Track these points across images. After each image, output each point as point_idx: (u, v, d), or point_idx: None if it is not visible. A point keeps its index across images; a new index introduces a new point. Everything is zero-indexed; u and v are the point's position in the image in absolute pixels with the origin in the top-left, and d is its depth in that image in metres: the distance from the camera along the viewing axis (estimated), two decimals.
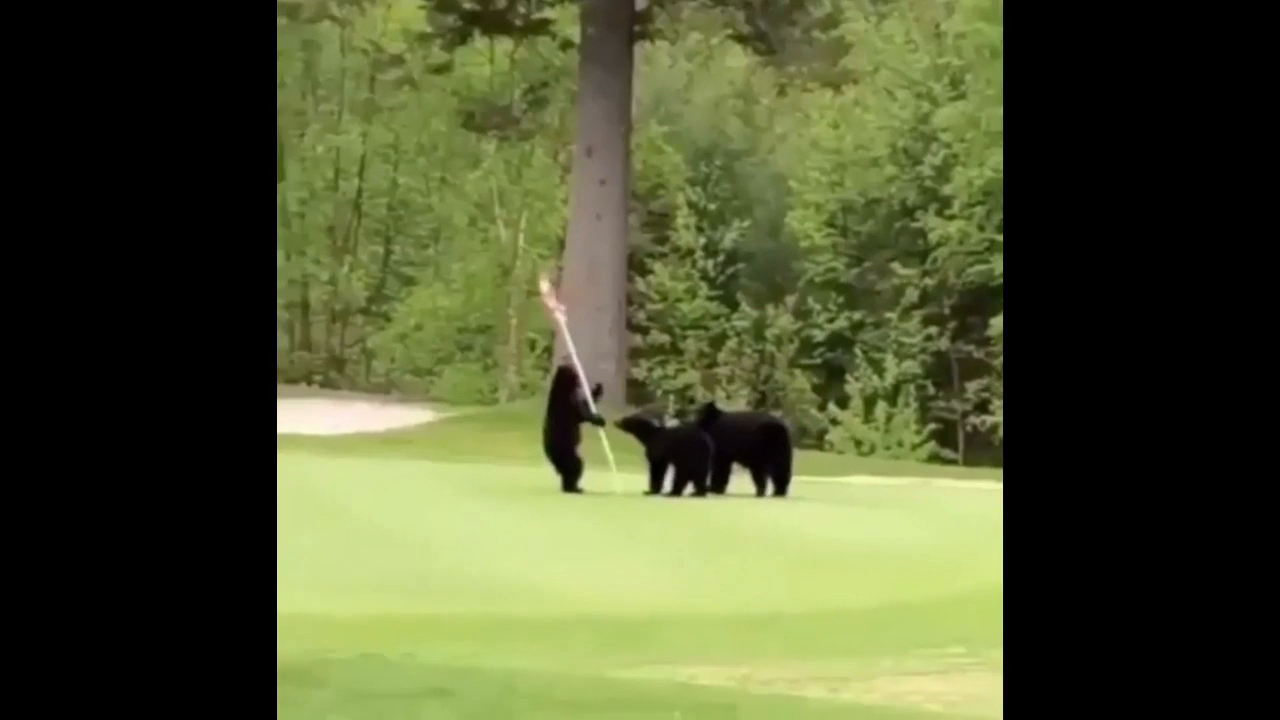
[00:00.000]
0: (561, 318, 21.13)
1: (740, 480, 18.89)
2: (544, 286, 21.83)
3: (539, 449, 18.93)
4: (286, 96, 49.29)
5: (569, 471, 18.22)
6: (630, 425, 18.81)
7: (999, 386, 43.63)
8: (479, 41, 40.97)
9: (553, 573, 12.35)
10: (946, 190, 45.05)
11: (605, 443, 18.84)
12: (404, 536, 14.11)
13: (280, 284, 48.97)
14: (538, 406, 20.96)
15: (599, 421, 18.88)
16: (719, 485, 18.53)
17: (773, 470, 18.87)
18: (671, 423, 20.97)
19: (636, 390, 40.46)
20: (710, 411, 19.90)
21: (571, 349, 19.89)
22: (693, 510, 16.98)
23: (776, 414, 43.74)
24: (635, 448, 18.70)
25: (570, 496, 17.89)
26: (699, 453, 18.25)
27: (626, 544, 14.25)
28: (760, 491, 18.74)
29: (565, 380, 19.27)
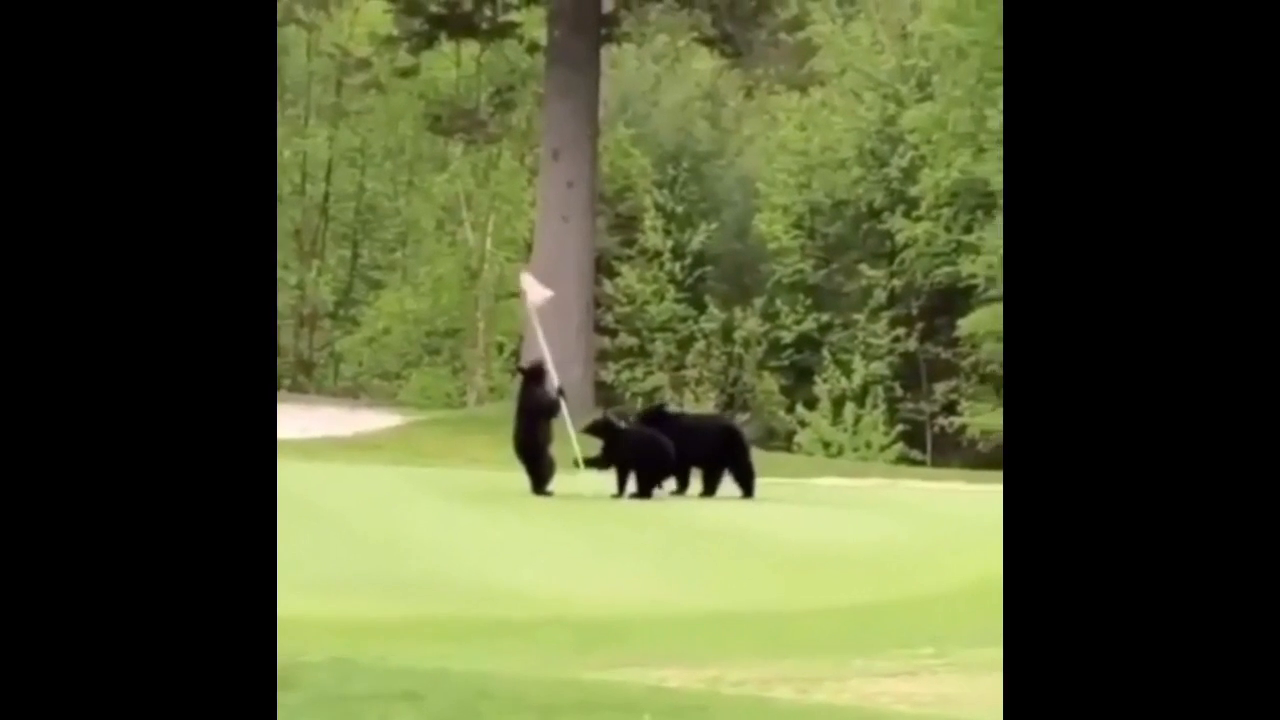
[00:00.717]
0: (534, 313, 20.89)
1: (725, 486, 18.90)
2: (527, 279, 21.69)
3: (509, 452, 18.90)
4: None
5: (540, 473, 18.13)
6: (596, 429, 18.79)
7: (967, 388, 43.76)
8: (445, 45, 40.95)
9: (524, 575, 12.36)
10: (913, 192, 45.16)
11: (575, 444, 18.85)
12: (374, 540, 14.11)
13: None
14: (506, 410, 20.93)
15: (555, 405, 18.68)
16: (681, 488, 18.55)
17: (736, 473, 18.84)
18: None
19: (604, 393, 40.46)
20: (658, 414, 19.84)
21: (544, 345, 19.83)
22: (662, 512, 16.99)
23: (743, 416, 43.82)
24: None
25: (540, 499, 17.85)
26: (661, 455, 18.25)
27: (597, 546, 14.26)
28: (709, 492, 18.72)
29: (532, 377, 19.22)
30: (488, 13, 36.68)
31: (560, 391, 19.27)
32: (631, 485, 18.07)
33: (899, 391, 44.66)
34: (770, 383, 46.02)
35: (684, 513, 17.03)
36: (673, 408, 27.08)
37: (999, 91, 38.38)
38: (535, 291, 20.99)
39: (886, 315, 45.43)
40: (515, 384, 26.15)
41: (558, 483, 18.22)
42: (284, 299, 49.71)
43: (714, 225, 48.46)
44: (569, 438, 18.89)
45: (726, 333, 46.26)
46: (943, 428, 43.85)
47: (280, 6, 38.47)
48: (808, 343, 46.44)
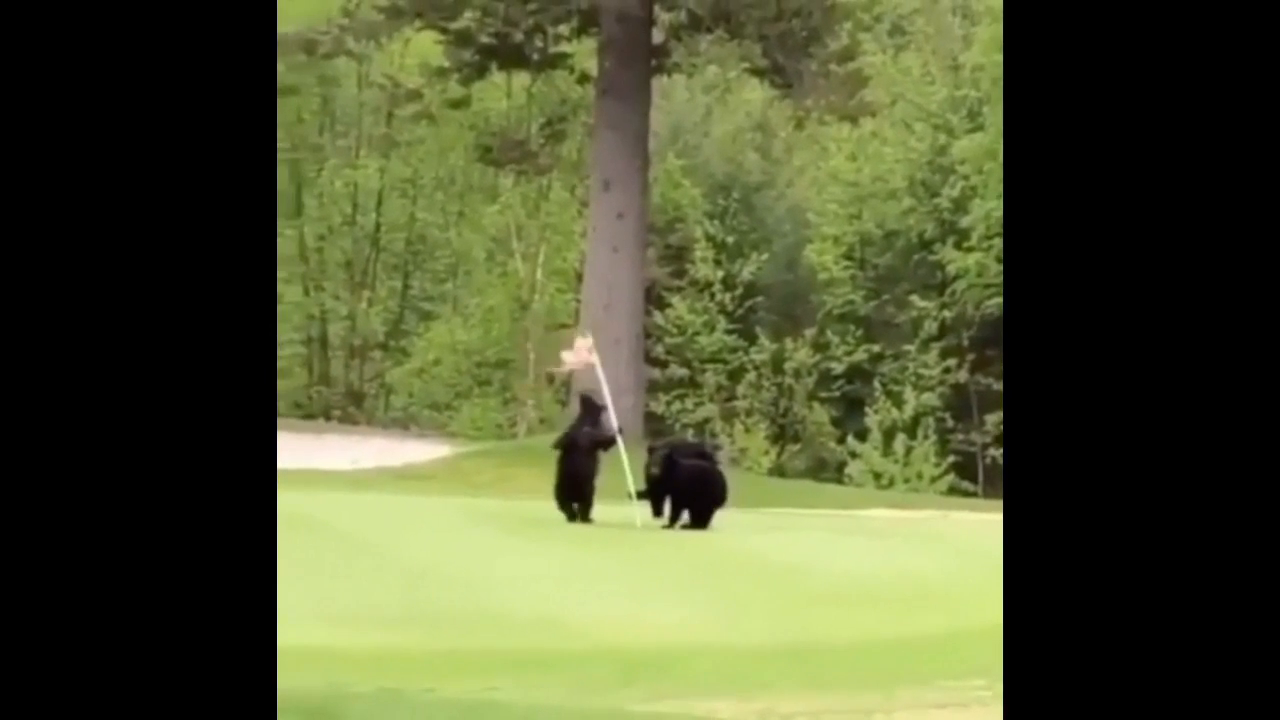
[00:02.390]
0: (589, 368, 20.43)
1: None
2: (569, 357, 21.16)
3: None
4: (304, 132, 49.45)
5: (589, 502, 18.37)
6: (657, 461, 18.76)
7: None
8: (496, 76, 41.08)
9: (572, 606, 12.35)
10: (964, 222, 45.05)
11: (629, 477, 18.87)
12: (423, 571, 14.11)
13: (298, 319, 49.10)
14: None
15: (613, 440, 18.84)
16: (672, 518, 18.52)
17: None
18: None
19: (655, 424, 40.45)
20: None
21: (603, 381, 19.74)
22: (710, 543, 16.98)
23: (794, 447, 43.72)
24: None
25: (588, 529, 17.92)
26: (715, 486, 18.45)
27: (644, 577, 14.25)
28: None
29: (590, 409, 19.37)
30: (538, 44, 36.77)
31: (620, 431, 19.42)
32: (682, 516, 18.19)
33: (950, 423, 44.51)
34: (821, 414, 45.91)
35: (732, 544, 17.02)
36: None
37: None
38: (576, 357, 20.59)
39: (937, 346, 45.30)
40: (567, 412, 26.09)
41: (602, 513, 18.37)
42: (334, 330, 49.86)
43: (764, 256, 48.40)
44: (623, 469, 18.92)
45: (777, 364, 46.18)
46: (994, 459, 43.69)
47: (330, 39, 38.60)
48: (858, 374, 46.33)
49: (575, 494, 18.52)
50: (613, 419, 19.32)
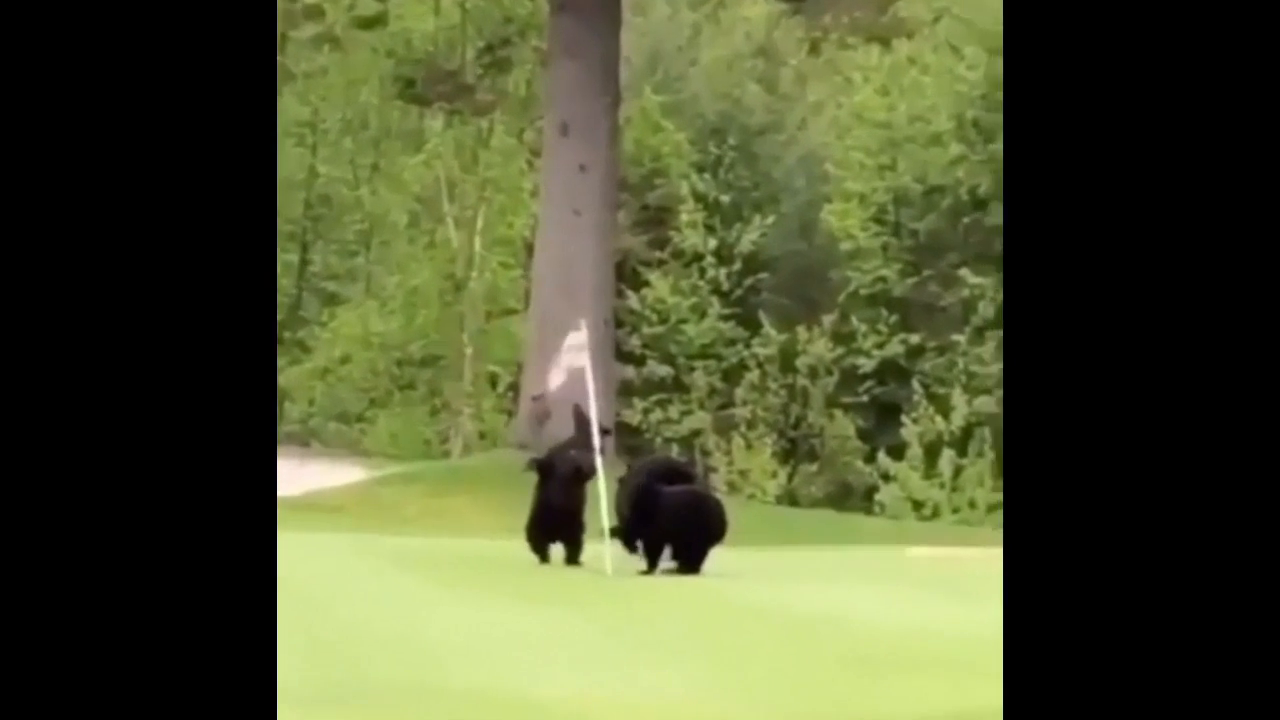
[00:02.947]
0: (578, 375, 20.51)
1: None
2: (557, 376, 21.29)
3: (504, 517, 19.06)
4: None
5: (574, 542, 18.71)
6: (632, 496, 18.89)
7: None
8: None
9: (527, 678, 12.42)
10: None
11: (604, 507, 18.96)
12: (335, 634, 14.16)
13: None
14: (500, 460, 21.04)
15: (590, 473, 19.01)
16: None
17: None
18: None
19: (629, 439, 40.54)
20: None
21: (590, 384, 19.74)
22: (705, 592, 17.06)
23: (810, 468, 43.81)
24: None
25: (547, 577, 18.06)
26: (708, 519, 18.56)
27: (635, 638, 14.33)
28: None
29: (586, 429, 19.48)
30: None
31: (606, 432, 19.49)
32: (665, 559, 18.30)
33: None
34: (844, 424, 46.06)
35: (733, 594, 17.10)
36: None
37: None
38: (568, 361, 20.45)
39: (995, 335, 45.45)
40: (513, 424, 25.84)
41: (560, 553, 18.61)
42: None
43: (770, 220, 48.57)
44: (598, 500, 19.01)
45: (787, 359, 46.32)
46: None
47: None
48: (892, 372, 46.48)
49: (556, 531, 18.70)
50: (597, 439, 19.34)
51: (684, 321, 47.59)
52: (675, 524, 18.46)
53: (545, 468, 19.23)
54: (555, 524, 18.82)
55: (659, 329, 47.36)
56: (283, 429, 49.50)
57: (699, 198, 48.15)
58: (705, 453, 44.43)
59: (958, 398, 44.42)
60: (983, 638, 15.08)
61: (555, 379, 20.88)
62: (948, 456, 42.92)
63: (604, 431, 19.58)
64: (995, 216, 45.69)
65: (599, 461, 19.19)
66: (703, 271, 47.80)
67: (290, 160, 51.06)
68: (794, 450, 45.70)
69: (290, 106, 50.30)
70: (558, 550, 18.84)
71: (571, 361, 20.05)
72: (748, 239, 48.20)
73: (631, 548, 18.45)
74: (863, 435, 46.09)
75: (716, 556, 18.63)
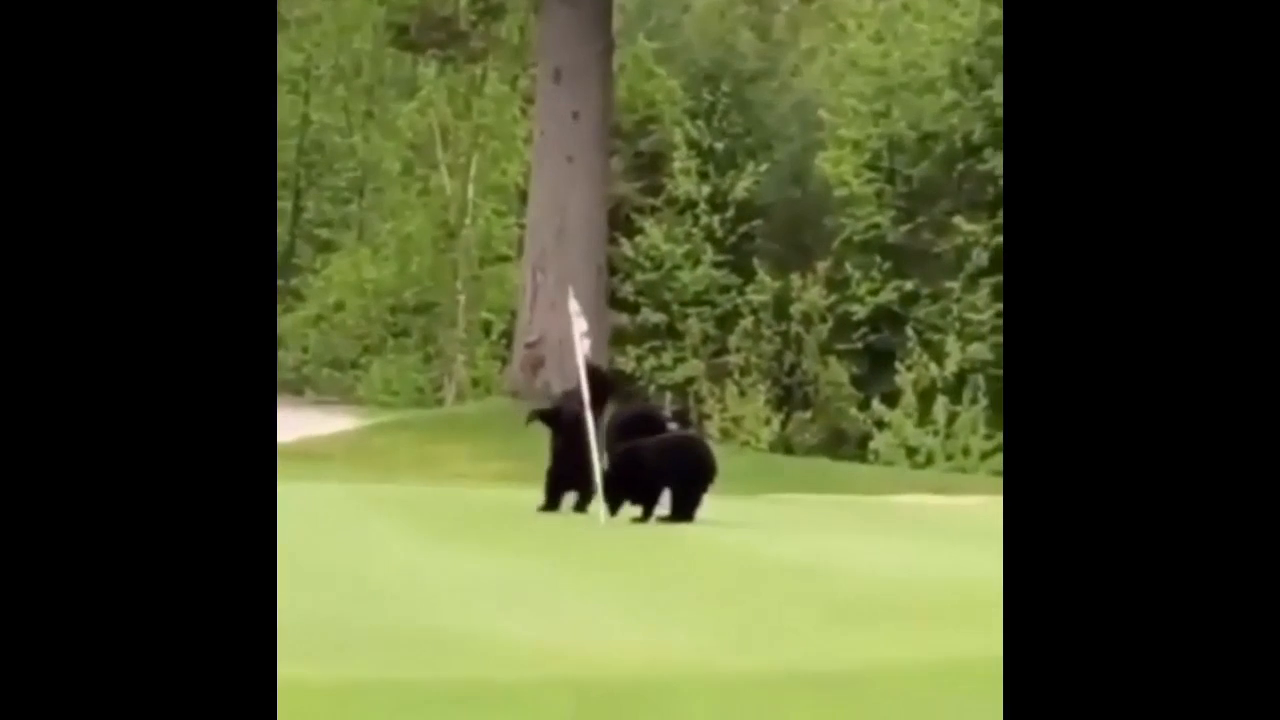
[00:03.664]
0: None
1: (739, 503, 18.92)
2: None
3: (498, 464, 19.07)
4: None
5: (588, 488, 18.72)
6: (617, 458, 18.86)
7: None
8: None
9: (519, 625, 12.40)
10: None
11: (595, 459, 18.95)
12: (326, 582, 14.15)
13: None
14: (493, 408, 21.04)
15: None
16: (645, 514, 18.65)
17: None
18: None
19: (622, 387, 40.55)
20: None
21: (581, 362, 19.63)
22: (698, 541, 17.04)
23: (803, 415, 43.80)
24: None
25: (544, 525, 18.15)
26: (700, 465, 18.51)
27: (613, 586, 14.31)
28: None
29: (601, 386, 19.43)
30: None
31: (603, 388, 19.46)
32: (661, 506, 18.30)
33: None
34: (838, 371, 46.10)
35: (726, 542, 17.08)
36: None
37: None
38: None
39: (988, 283, 45.45)
40: (509, 370, 25.92)
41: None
42: None
43: (763, 167, 48.58)
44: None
45: (780, 306, 46.34)
46: None
47: None
48: (886, 319, 46.50)
49: (568, 480, 18.88)
50: (585, 392, 19.29)
51: (677, 268, 47.57)
52: (662, 474, 18.40)
53: (552, 418, 19.26)
54: (565, 473, 18.89)
55: (652, 276, 47.35)
56: (278, 376, 49.56)
57: (692, 144, 48.12)
58: (699, 400, 44.44)
59: (951, 344, 44.46)
60: (973, 584, 15.05)
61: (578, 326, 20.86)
62: (941, 403, 42.96)
63: (599, 385, 19.48)
64: (989, 163, 45.65)
65: (589, 416, 19.16)
66: (696, 218, 47.78)
67: (284, 107, 50.98)
68: (788, 397, 45.72)
69: (284, 53, 50.18)
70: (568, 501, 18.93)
71: (579, 327, 20.09)
72: (741, 186, 48.19)
73: (614, 510, 18.37)
74: (856, 382, 46.12)
75: (709, 504, 18.61)
